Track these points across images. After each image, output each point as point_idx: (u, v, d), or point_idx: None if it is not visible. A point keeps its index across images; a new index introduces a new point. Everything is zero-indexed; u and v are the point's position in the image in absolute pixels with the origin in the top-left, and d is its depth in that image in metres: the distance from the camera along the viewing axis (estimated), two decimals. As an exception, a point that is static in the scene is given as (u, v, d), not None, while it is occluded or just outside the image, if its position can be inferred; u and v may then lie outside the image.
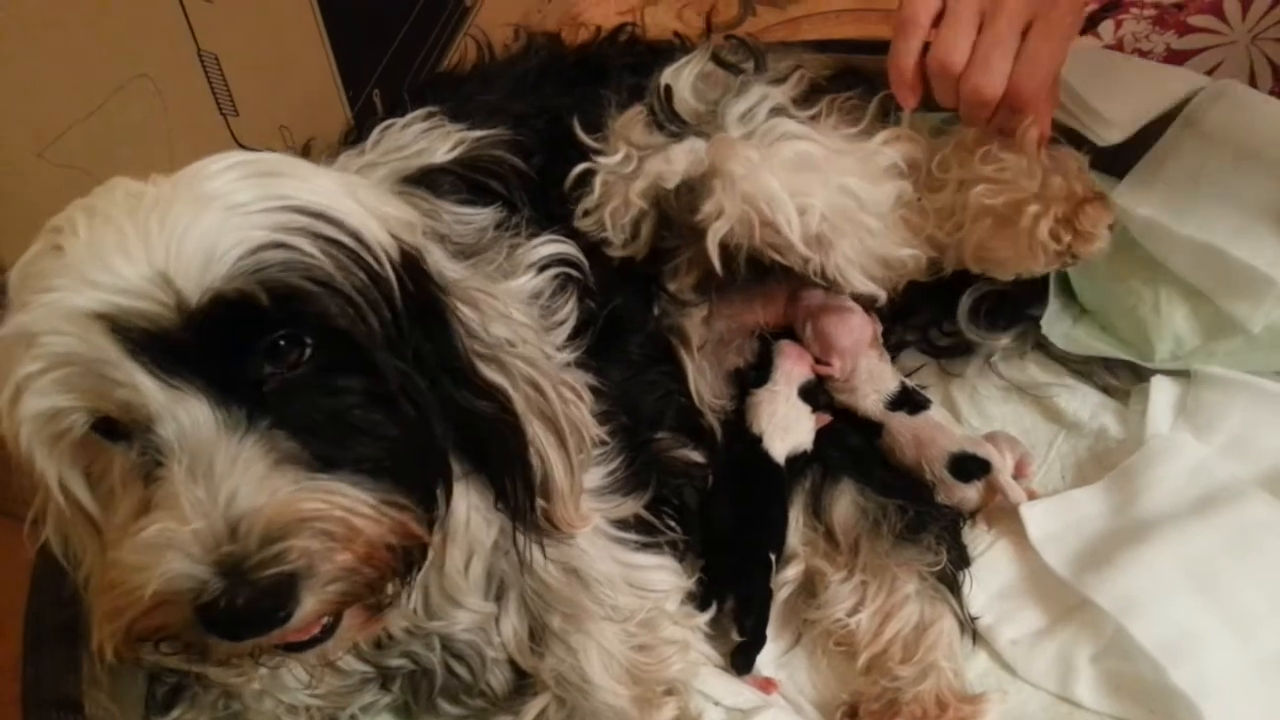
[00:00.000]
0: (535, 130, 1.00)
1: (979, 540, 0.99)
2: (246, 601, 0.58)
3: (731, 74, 1.03)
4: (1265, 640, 0.88)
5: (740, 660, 0.92)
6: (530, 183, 0.96)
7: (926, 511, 0.97)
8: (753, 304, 1.06)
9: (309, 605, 0.61)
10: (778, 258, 0.95)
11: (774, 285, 1.06)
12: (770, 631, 0.94)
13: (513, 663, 0.86)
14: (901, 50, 0.90)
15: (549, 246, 0.91)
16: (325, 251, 0.64)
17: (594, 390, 0.88)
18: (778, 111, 0.99)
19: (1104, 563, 0.92)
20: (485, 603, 0.82)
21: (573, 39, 1.17)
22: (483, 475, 0.77)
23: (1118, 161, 1.06)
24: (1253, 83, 1.11)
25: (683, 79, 1.02)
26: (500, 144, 0.96)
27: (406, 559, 0.67)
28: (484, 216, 0.91)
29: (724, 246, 0.95)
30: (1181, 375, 1.02)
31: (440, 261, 0.82)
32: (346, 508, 0.62)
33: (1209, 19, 1.16)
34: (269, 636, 0.61)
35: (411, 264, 0.70)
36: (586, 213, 0.97)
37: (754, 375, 1.02)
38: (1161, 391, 1.01)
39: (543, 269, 0.90)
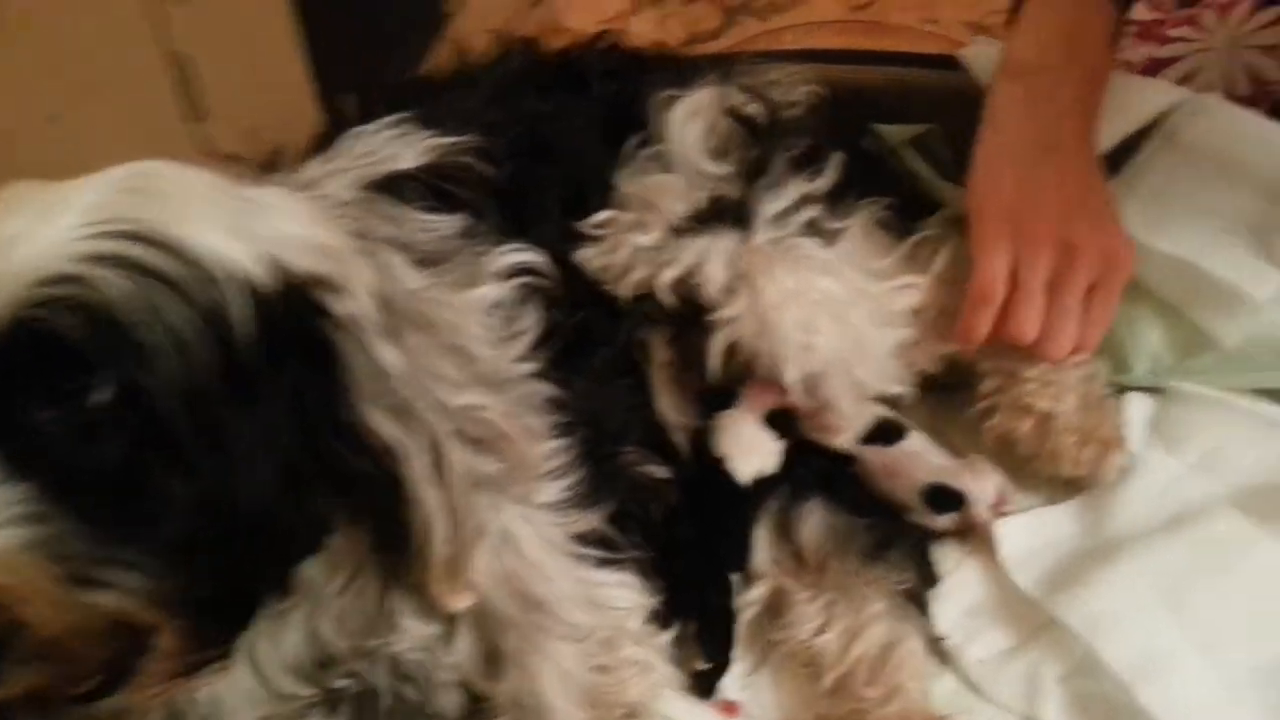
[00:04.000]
0: (508, 138, 0.99)
1: (947, 557, 0.97)
2: None
3: (747, 131, 1.01)
4: (1235, 661, 0.86)
5: (703, 684, 0.90)
6: (499, 191, 0.94)
7: (895, 529, 0.96)
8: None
9: None
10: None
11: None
12: (735, 653, 0.93)
13: (467, 685, 0.84)
14: (976, 324, 0.93)
15: (514, 255, 0.89)
16: (136, 285, 0.59)
17: (556, 402, 0.86)
18: (811, 228, 0.98)
19: (1073, 582, 0.90)
20: (425, 624, 0.79)
21: (554, 45, 1.15)
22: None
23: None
24: (1231, 88, 1.10)
25: (691, 134, 1.00)
26: (469, 151, 0.95)
27: (133, 647, 0.62)
28: (448, 224, 0.89)
29: (725, 353, 0.95)
30: (1156, 392, 1.01)
31: (401, 272, 0.80)
32: (18, 594, 0.56)
33: (1186, 30, 1.15)
34: None
35: (300, 298, 0.65)
36: (603, 266, 0.97)
37: (718, 399, 1.00)
38: (1135, 409, 1.00)
39: (506, 278, 0.88)
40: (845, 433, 0.99)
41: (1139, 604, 0.88)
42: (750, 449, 0.97)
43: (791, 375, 0.93)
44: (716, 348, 0.94)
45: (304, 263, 0.67)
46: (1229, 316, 0.97)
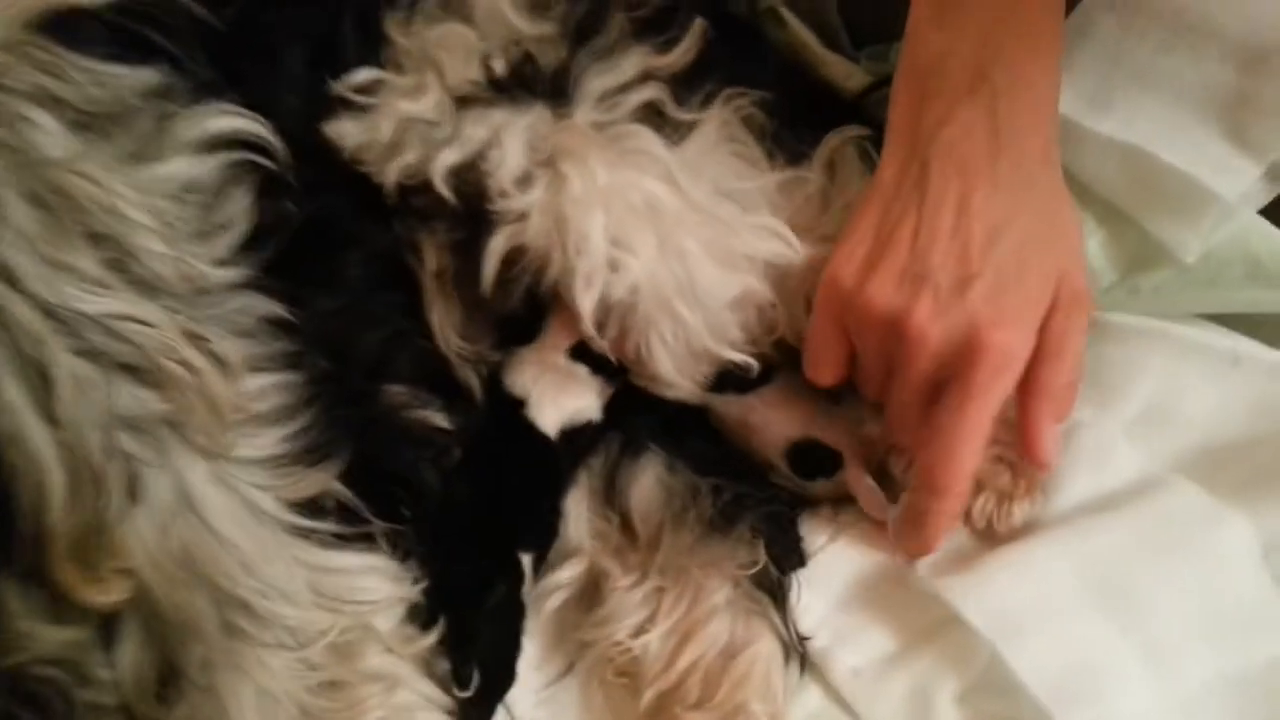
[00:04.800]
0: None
1: (818, 531, 0.75)
2: None
3: None
4: (1188, 671, 0.66)
5: (477, 706, 0.67)
6: (217, 37, 0.71)
7: (748, 493, 0.73)
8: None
9: None
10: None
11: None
12: (534, 657, 0.71)
13: (131, 710, 0.61)
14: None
15: (220, 120, 0.66)
16: None
17: (279, 323, 0.65)
18: (650, 112, 0.75)
19: (979, 570, 0.69)
20: (59, 628, 0.57)
21: None
22: None
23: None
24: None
25: None
26: (177, -16, 0.71)
27: None
28: (132, 78, 0.66)
29: (506, 259, 0.71)
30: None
31: (43, 135, 0.60)
32: None
33: None
34: None
35: None
36: (363, 144, 0.73)
37: (519, 327, 0.76)
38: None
39: (206, 151, 0.66)
40: (678, 388, 0.75)
41: (1064, 600, 0.68)
42: (559, 390, 0.73)
43: (586, 300, 0.69)
44: (494, 249, 0.70)
45: None
46: (1191, 221, 0.75)
